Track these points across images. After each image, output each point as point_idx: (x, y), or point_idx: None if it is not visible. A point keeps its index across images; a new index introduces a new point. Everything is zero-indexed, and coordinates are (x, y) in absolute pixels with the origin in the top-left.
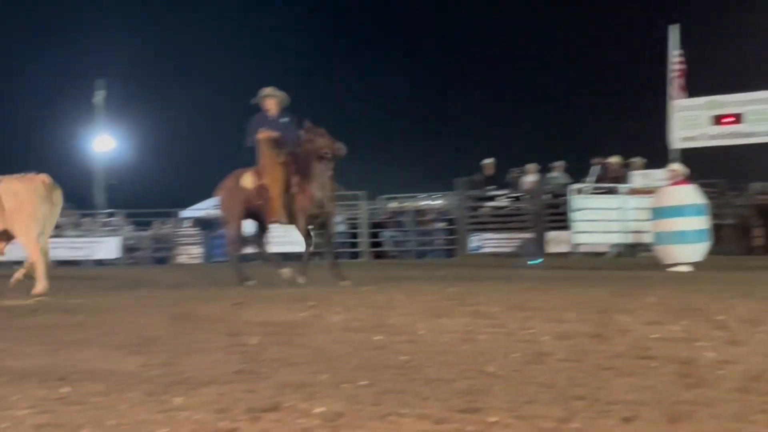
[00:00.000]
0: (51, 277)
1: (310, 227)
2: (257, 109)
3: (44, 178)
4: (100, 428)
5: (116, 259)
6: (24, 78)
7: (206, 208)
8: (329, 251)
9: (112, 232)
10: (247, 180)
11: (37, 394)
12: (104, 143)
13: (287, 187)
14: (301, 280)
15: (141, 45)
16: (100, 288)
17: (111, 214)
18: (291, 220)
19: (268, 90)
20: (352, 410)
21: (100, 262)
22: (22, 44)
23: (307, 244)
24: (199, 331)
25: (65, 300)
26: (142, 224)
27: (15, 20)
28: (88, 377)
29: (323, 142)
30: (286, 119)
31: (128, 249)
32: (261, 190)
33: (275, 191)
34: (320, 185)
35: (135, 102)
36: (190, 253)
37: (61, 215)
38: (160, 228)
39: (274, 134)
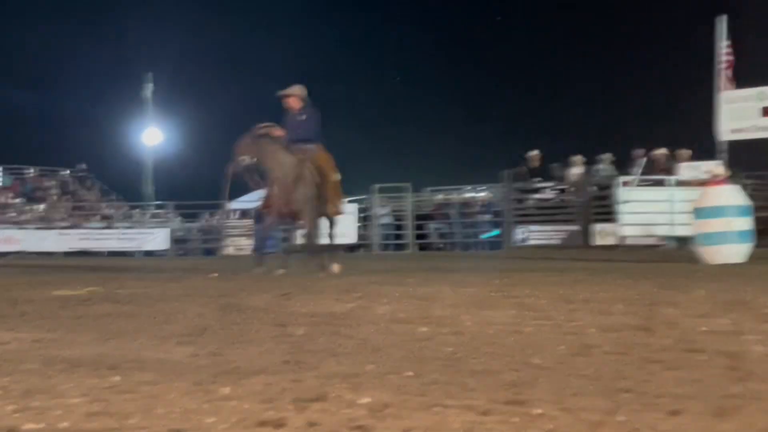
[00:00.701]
0: (102, 268)
1: (287, 222)
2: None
3: None
4: (149, 417)
5: (165, 250)
6: (74, 72)
7: (255, 199)
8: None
9: (162, 224)
10: None
11: (89, 382)
12: (153, 136)
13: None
14: (321, 273)
15: (188, 38)
16: (150, 279)
17: (160, 206)
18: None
19: (289, 89)
20: (398, 401)
21: (149, 253)
22: (71, 38)
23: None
24: (246, 322)
25: (116, 290)
26: (190, 216)
27: (66, 15)
28: (138, 366)
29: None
30: (303, 116)
31: (177, 240)
32: None
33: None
34: (279, 183)
35: (183, 94)
36: (239, 244)
37: (112, 207)
38: (209, 219)
39: (277, 132)
